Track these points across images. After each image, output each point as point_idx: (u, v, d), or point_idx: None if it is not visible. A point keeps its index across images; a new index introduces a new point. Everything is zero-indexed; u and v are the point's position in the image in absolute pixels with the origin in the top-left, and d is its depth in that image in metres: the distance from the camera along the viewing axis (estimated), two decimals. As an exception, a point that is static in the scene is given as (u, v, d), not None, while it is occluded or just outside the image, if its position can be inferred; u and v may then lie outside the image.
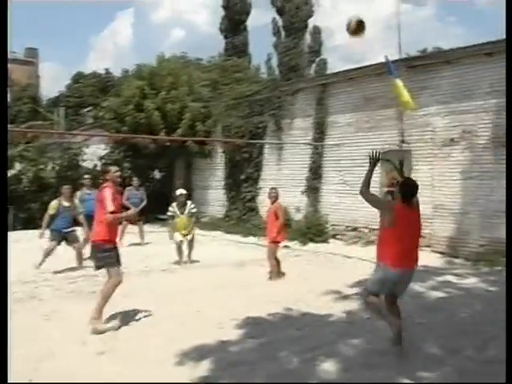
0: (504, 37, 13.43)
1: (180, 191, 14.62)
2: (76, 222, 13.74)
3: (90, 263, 9.90)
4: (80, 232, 13.81)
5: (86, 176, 16.73)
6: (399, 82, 14.33)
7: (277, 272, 11.82)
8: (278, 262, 11.94)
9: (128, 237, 16.84)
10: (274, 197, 12.22)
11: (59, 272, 12.44)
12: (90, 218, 14.11)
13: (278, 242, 12.10)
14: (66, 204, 13.58)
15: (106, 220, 7.96)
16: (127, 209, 13.49)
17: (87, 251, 11.90)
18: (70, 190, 13.77)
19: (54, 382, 4.61)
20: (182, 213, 14.17)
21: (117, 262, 8.11)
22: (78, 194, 15.14)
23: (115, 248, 8.17)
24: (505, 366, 4.85)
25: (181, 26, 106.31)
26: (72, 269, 12.75)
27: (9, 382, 4.00)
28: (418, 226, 7.42)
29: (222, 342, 7.21)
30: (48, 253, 12.95)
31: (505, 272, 12.35)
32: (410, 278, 7.10)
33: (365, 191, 7.57)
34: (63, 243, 13.21)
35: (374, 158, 7.54)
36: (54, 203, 13.46)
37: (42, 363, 6.48)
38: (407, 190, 7.30)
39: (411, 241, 7.14)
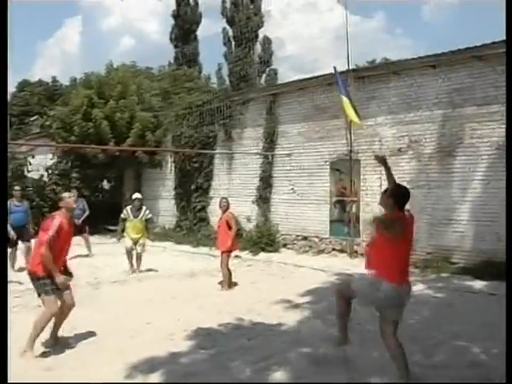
0: (448, 50, 13.91)
1: (136, 195, 14.78)
2: None
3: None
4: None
5: (17, 188, 16.45)
6: (346, 101, 14.68)
7: (228, 282, 11.81)
8: (229, 271, 11.93)
9: (75, 248, 16.62)
10: (225, 206, 12.20)
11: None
12: (18, 229, 14.18)
13: (231, 252, 12.08)
14: (17, 204, 14.34)
15: (41, 253, 7.27)
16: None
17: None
18: (20, 192, 14.60)
19: (57, 383, 4.51)
20: (136, 217, 14.14)
21: (52, 290, 7.39)
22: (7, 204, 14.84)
23: (51, 276, 7.41)
24: (448, 371, 4.95)
25: (130, 35, 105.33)
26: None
27: (9, 382, 3.94)
28: (412, 237, 6.52)
29: (173, 354, 7.14)
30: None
31: (450, 278, 12.70)
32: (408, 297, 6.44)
33: None
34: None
35: (381, 159, 6.50)
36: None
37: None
38: (401, 198, 6.26)
39: (408, 254, 6.37)
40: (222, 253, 12.01)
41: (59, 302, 7.45)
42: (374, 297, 6.13)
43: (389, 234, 6.07)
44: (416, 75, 14.72)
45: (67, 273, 7.74)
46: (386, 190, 6.45)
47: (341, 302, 6.78)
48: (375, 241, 6.58)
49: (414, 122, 14.72)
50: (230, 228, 11.97)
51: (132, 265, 14.01)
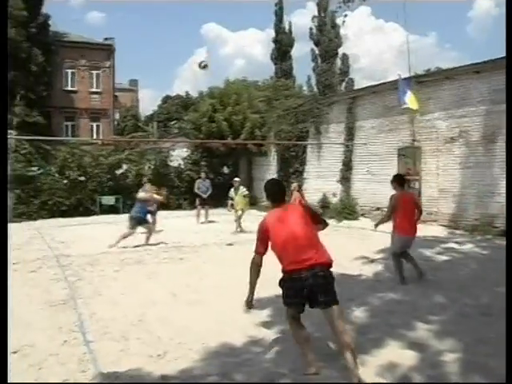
0: (488, 59, 13.49)
1: (235, 179, 15.85)
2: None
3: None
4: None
5: (145, 179, 17.12)
6: (407, 103, 14.52)
7: None
8: None
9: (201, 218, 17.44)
10: (296, 188, 13.37)
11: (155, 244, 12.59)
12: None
13: None
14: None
15: None
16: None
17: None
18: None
19: (57, 382, 4.70)
20: (236, 194, 15.15)
21: None
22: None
23: None
24: (490, 310, 4.85)
25: (242, 57, 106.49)
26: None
27: (9, 382, 4.06)
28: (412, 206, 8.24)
29: (277, 296, 7.29)
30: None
31: (493, 239, 12.28)
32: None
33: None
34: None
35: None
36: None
37: (147, 309, 6.72)
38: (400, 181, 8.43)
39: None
40: None
41: None
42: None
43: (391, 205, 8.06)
44: (464, 79, 14.33)
45: None
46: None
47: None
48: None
49: (463, 116, 14.34)
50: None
51: (237, 227, 14.78)
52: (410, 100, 14.44)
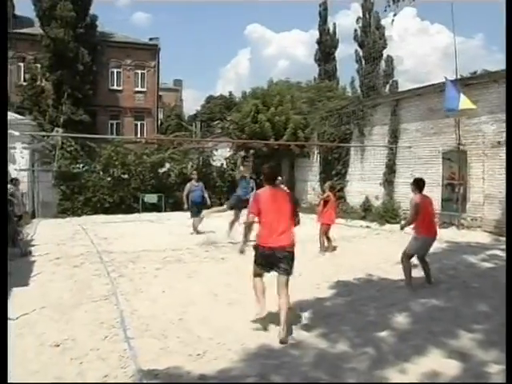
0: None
1: (278, 178, 15.00)
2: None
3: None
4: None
5: (194, 172, 17.22)
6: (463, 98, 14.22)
7: (327, 247, 11.64)
8: (328, 239, 11.78)
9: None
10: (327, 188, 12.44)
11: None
12: (194, 204, 14.91)
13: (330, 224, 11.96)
14: (195, 184, 15.27)
15: None
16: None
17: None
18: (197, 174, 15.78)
19: (56, 383, 4.71)
20: None
21: None
22: (188, 185, 15.48)
23: None
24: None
25: (285, 58, 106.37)
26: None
27: (9, 382, 4.09)
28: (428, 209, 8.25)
29: (319, 299, 7.28)
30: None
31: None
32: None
33: None
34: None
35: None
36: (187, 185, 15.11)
37: (187, 308, 6.77)
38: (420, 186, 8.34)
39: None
40: (322, 224, 11.78)
41: None
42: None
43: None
44: (513, 82, 13.86)
45: None
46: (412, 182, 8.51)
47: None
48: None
49: (511, 119, 13.90)
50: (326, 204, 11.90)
51: None
52: (464, 102, 14.13)
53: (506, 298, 4.28)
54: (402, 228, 8.58)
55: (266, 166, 6.44)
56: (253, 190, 17.40)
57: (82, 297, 7.29)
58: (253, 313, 6.00)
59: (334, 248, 11.76)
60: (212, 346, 5.38)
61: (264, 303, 5.95)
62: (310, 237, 13.36)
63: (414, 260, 8.27)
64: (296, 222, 6.07)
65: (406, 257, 8.06)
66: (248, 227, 6.23)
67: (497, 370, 4.67)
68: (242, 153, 20.10)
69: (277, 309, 5.78)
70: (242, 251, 6.45)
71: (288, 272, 5.84)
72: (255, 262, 6.03)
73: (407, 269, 8.01)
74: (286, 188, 9.19)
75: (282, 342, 5.42)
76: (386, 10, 11.40)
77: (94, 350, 5.20)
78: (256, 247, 5.99)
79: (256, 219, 5.99)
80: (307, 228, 15.30)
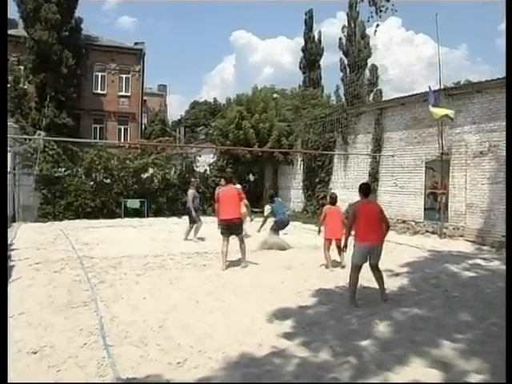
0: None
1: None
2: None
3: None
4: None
5: (193, 179, 17.21)
6: (433, 109, 14.37)
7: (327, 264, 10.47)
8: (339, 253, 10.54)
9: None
10: (334, 199, 11.38)
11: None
12: (196, 211, 14.67)
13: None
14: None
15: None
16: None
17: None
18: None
19: (56, 382, 4.67)
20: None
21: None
22: (191, 192, 14.84)
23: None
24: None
25: (270, 65, 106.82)
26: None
27: (9, 382, 4.06)
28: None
29: (301, 307, 7.25)
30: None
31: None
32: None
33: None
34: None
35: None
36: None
37: (168, 315, 6.70)
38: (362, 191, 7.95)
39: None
40: (339, 240, 9.97)
41: None
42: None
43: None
44: (495, 93, 14.01)
45: None
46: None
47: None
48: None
49: (493, 130, 14.04)
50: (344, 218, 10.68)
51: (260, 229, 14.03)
52: (440, 110, 14.31)
53: (506, 298, 4.25)
54: (344, 248, 8.21)
55: (227, 174, 8.71)
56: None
57: (62, 303, 7.18)
58: (235, 321, 5.97)
59: (342, 266, 10.23)
60: (193, 354, 5.32)
61: (225, 263, 10.06)
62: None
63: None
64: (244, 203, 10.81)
65: (352, 268, 7.63)
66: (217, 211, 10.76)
67: (478, 379, 4.68)
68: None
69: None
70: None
71: (241, 232, 10.49)
72: (221, 233, 10.41)
73: (352, 280, 7.54)
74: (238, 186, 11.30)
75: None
76: (369, 21, 11.51)
77: (73, 358, 5.10)
78: (220, 223, 10.73)
79: None
80: (294, 236, 15.47)
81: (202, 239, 14.29)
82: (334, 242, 10.54)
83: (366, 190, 7.97)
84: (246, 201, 11.55)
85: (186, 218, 15.71)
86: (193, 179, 18.56)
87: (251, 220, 12.99)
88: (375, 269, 7.76)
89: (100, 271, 9.68)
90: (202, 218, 15.03)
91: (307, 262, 10.94)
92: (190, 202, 14.58)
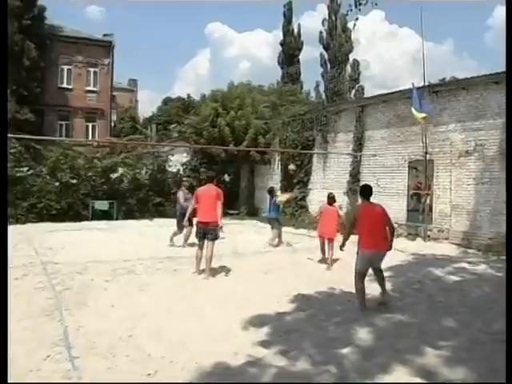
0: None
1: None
2: None
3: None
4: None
5: (186, 179, 16.88)
6: (415, 112, 14.65)
7: (322, 259, 11.67)
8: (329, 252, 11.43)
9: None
10: (333, 199, 12.23)
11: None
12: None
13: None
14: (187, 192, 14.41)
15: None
16: None
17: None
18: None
19: (57, 383, 4.73)
20: None
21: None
22: (181, 194, 14.56)
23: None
24: (503, 337, 4.73)
25: (247, 60, 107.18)
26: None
27: (9, 382, 3.99)
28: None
29: (279, 313, 7.24)
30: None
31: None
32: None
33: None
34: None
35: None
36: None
37: (138, 323, 6.65)
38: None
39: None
40: (330, 239, 11.29)
41: None
42: None
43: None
44: (481, 90, 14.23)
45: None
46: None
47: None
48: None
49: (479, 128, 14.24)
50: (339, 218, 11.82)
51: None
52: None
53: (506, 300, 4.28)
54: (341, 248, 8.18)
55: (207, 177, 9.26)
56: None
57: (23, 312, 7.05)
58: (209, 328, 5.96)
59: (332, 263, 11.18)
60: (164, 364, 5.28)
61: (198, 267, 10.02)
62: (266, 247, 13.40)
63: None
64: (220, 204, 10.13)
65: (356, 275, 7.69)
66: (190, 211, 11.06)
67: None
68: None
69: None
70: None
71: (214, 238, 10.04)
72: (196, 235, 10.30)
73: (358, 288, 7.63)
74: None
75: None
76: (347, 14, 11.55)
77: (34, 371, 5.04)
78: (196, 224, 10.40)
79: None
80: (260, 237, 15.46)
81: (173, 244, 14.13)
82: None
83: (368, 191, 8.01)
84: (220, 204, 10.39)
85: (157, 221, 15.61)
86: (184, 178, 18.34)
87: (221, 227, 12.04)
88: (378, 271, 7.90)
89: (65, 277, 9.56)
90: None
91: (286, 266, 10.99)
92: (182, 204, 13.97)
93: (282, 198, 15.18)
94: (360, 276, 7.65)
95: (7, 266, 5.25)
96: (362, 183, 18.17)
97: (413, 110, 14.74)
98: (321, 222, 11.87)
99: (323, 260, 11.55)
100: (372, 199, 8.10)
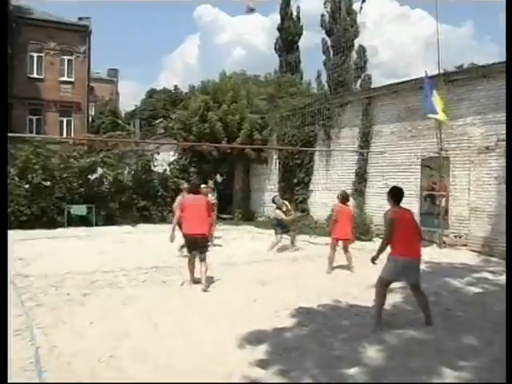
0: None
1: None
2: None
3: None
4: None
5: (183, 182, 16.84)
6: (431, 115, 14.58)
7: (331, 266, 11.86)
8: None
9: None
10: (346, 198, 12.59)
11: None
12: None
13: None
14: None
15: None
16: None
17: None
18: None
19: (57, 382, 4.59)
20: None
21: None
22: (180, 198, 14.56)
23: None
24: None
25: (241, 47, 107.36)
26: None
27: (9, 382, 3.95)
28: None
29: (278, 329, 7.21)
30: None
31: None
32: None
33: None
34: None
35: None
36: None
37: (120, 342, 6.62)
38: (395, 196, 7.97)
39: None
40: (347, 241, 12.15)
41: None
42: None
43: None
44: (503, 78, 14.12)
45: None
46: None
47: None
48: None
49: (502, 121, 14.04)
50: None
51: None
52: (437, 106, 14.45)
53: (506, 301, 4.28)
54: (373, 261, 7.87)
55: (193, 182, 10.31)
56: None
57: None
58: (199, 346, 5.93)
59: (349, 268, 12.03)
60: (149, 388, 5.26)
61: (192, 277, 10.20)
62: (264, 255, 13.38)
63: (394, 284, 8.29)
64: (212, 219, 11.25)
65: (380, 283, 7.60)
66: (175, 216, 11.51)
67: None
68: None
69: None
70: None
71: (205, 251, 10.25)
72: (187, 248, 10.59)
73: (378, 298, 7.55)
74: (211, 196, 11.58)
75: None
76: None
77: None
78: (184, 236, 10.66)
79: None
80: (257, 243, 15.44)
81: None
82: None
83: (400, 195, 7.93)
84: (213, 216, 11.28)
85: (141, 227, 15.58)
86: (183, 181, 18.28)
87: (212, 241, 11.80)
88: (417, 290, 7.67)
89: (37, 292, 9.52)
90: (165, 227, 14.72)
91: (284, 277, 10.97)
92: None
93: (285, 217, 15.18)
94: (383, 283, 7.55)
95: (7, 266, 5.25)
96: (369, 183, 18.26)
97: (430, 115, 14.73)
98: (336, 223, 12.05)
99: (328, 269, 11.70)
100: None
